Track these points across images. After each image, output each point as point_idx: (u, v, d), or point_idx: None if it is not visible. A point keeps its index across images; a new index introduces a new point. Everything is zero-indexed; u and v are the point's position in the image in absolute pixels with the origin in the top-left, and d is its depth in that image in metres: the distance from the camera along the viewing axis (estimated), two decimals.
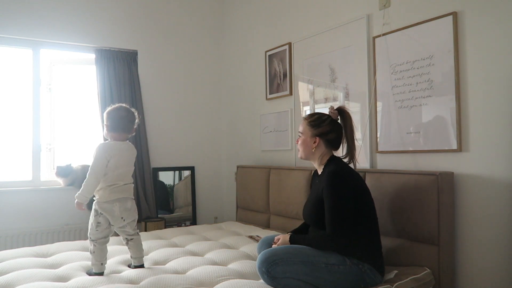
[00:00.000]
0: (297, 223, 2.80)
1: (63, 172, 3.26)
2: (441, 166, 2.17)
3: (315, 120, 1.98)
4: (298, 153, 2.04)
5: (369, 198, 1.91)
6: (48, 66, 3.45)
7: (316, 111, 2.85)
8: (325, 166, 1.96)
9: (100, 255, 2.00)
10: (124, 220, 2.05)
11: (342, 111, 1.97)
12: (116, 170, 2.02)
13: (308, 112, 3.08)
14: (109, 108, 2.11)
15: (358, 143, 2.40)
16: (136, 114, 2.15)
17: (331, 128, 1.95)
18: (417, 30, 2.29)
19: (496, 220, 1.96)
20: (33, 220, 3.20)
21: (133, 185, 2.13)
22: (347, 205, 1.79)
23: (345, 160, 1.98)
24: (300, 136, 2.02)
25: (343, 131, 1.97)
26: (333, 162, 1.93)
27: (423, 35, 2.25)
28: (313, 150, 1.97)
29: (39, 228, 3.20)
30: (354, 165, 1.98)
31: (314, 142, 1.95)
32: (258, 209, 3.32)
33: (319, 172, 2.01)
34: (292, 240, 1.92)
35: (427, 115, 2.25)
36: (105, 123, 2.10)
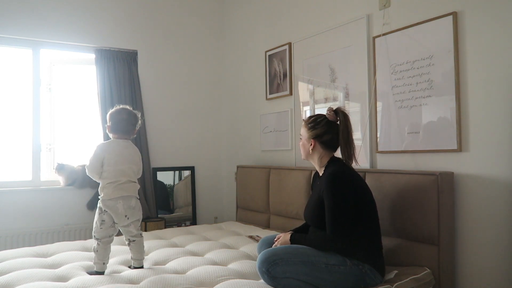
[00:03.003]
0: (297, 223, 2.80)
1: (61, 168, 3.26)
2: (441, 166, 2.17)
3: (311, 122, 1.99)
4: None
5: (370, 198, 1.91)
6: (48, 66, 3.45)
7: (317, 111, 2.86)
8: (325, 168, 1.96)
9: (103, 254, 2.00)
10: (128, 218, 2.06)
11: (339, 113, 1.95)
12: (116, 166, 2.05)
13: (308, 113, 3.08)
14: (112, 110, 2.16)
15: (358, 143, 2.40)
16: (138, 116, 2.19)
17: (326, 129, 1.95)
18: (417, 30, 2.29)
19: (496, 220, 1.96)
20: (33, 220, 3.20)
21: (138, 185, 2.15)
22: (347, 206, 1.79)
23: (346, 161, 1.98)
24: (300, 139, 2.05)
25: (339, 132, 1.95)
26: (333, 164, 1.94)
27: (423, 35, 2.25)
28: (310, 152, 1.99)
29: (39, 228, 3.20)
30: (356, 163, 1.98)
31: (311, 145, 1.97)
32: (258, 209, 3.32)
33: (320, 174, 2.01)
34: (292, 240, 1.92)
35: (427, 115, 2.25)
36: (107, 123, 2.15)
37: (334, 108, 1.98)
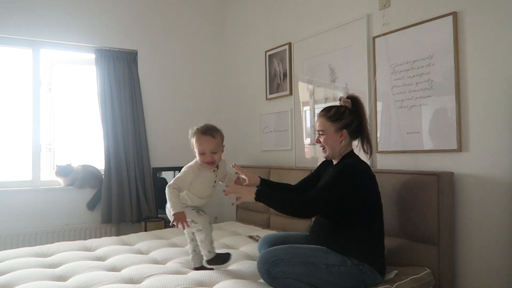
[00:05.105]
0: (297, 223, 2.80)
1: (63, 171, 3.26)
2: (441, 166, 2.17)
3: (335, 113, 1.91)
4: (324, 153, 1.95)
5: (378, 200, 1.89)
6: (48, 66, 3.45)
7: (317, 111, 2.86)
8: (342, 158, 1.92)
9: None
10: None
11: (355, 99, 1.92)
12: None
13: (308, 112, 3.08)
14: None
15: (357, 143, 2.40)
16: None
17: (353, 117, 1.90)
18: (417, 30, 2.29)
19: (496, 220, 1.96)
20: (33, 220, 3.20)
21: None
22: (345, 194, 1.77)
23: (364, 148, 1.94)
24: (321, 134, 1.93)
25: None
26: (352, 157, 1.90)
27: (423, 35, 2.25)
28: (341, 144, 1.90)
29: (39, 228, 3.20)
30: (371, 152, 1.93)
31: (341, 136, 1.89)
32: (258, 209, 3.32)
33: (335, 162, 1.98)
34: (258, 196, 1.80)
35: (427, 115, 2.25)
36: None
37: (345, 96, 1.94)
